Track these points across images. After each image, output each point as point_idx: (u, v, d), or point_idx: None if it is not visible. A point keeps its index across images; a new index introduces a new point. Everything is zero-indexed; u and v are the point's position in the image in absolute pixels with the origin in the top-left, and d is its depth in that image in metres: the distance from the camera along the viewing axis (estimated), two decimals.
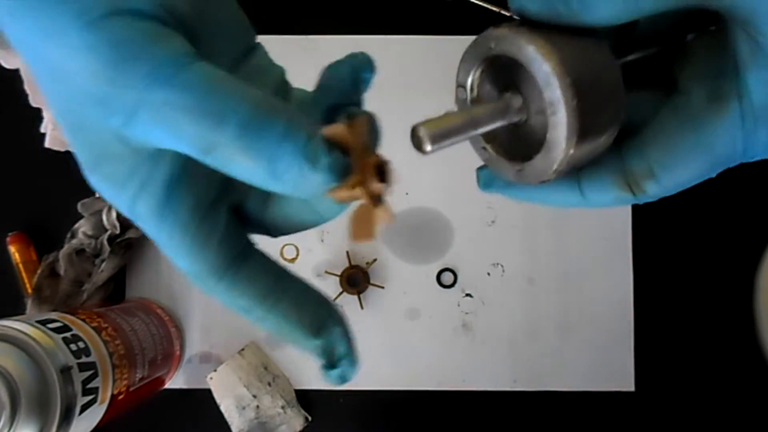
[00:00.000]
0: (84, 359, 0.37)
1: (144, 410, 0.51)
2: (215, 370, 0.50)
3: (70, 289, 0.50)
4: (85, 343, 0.38)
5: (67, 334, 0.37)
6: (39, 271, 0.49)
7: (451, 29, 0.53)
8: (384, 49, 0.53)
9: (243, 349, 0.51)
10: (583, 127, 0.22)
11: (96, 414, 0.38)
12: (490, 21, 0.53)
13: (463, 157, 0.56)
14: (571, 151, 0.22)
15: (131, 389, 0.42)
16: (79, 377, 0.35)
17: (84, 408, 0.36)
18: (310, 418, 0.51)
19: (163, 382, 0.49)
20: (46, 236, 0.52)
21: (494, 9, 0.53)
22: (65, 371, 0.35)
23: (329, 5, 0.54)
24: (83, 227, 0.50)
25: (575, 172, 0.25)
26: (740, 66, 0.22)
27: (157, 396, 0.50)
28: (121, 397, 0.40)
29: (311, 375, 0.51)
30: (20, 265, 0.51)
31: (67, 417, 0.34)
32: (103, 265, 0.50)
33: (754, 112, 0.22)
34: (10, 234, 0.51)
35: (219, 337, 0.52)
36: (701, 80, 0.23)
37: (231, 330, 0.52)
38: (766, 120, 0.22)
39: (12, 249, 0.51)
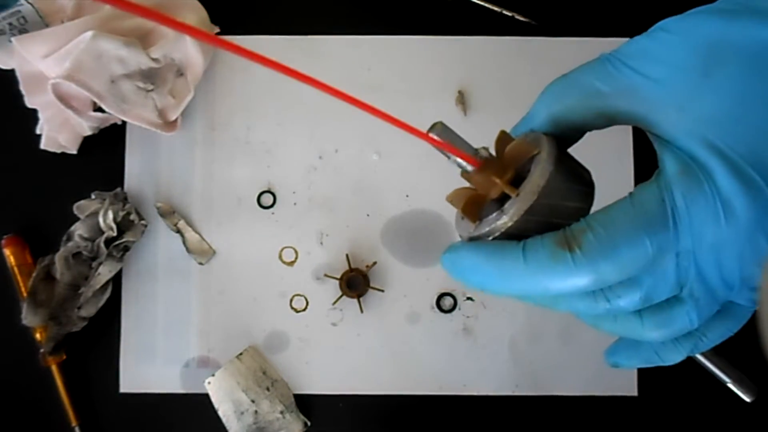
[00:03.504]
0: None
1: (142, 414, 0.51)
2: (213, 375, 0.50)
3: (66, 292, 0.49)
4: None
5: None
6: (34, 275, 0.49)
7: (451, 29, 0.53)
8: (384, 49, 0.53)
9: (241, 354, 0.50)
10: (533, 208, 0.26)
11: None
12: (491, 21, 0.53)
13: None
14: (541, 187, 0.26)
15: None
16: None
17: None
18: (309, 423, 0.50)
19: None
20: (41, 239, 0.51)
21: (495, 9, 0.52)
22: None
23: (329, 5, 0.53)
24: (79, 230, 0.49)
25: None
26: (656, 147, 0.27)
27: (154, 400, 0.49)
28: None
29: (310, 379, 0.51)
30: (15, 269, 0.50)
31: None
32: (100, 268, 0.49)
33: (668, 181, 0.26)
34: (5, 237, 0.51)
35: (217, 341, 0.51)
36: None
37: (229, 334, 0.51)
38: (679, 185, 0.26)
39: (7, 252, 0.51)
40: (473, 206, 0.29)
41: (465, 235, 0.29)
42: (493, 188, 0.28)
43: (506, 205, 0.27)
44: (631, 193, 0.27)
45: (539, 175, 0.26)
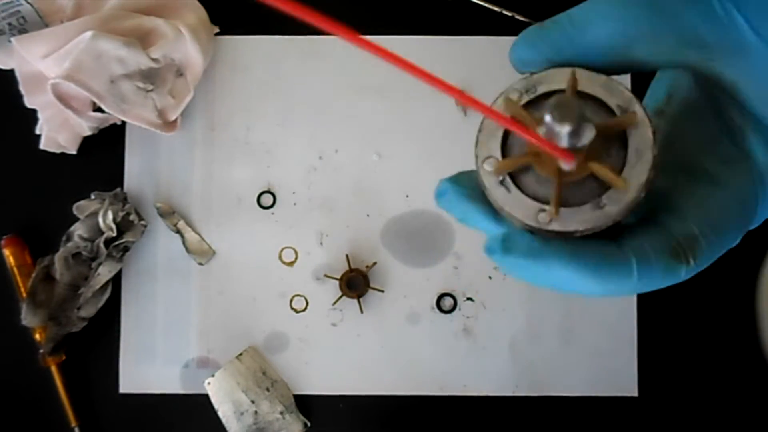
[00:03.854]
0: None
1: (142, 415, 0.51)
2: (213, 375, 0.50)
3: (66, 293, 0.49)
4: None
5: None
6: (34, 275, 0.49)
7: (451, 29, 0.53)
8: (386, 48, 0.53)
9: (241, 354, 0.50)
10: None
11: None
12: (490, 21, 0.53)
13: (463, 159, 0.55)
14: (651, 175, 0.21)
15: None
16: None
17: None
18: (309, 424, 0.50)
19: None
20: (41, 239, 0.51)
21: (495, 9, 0.52)
22: None
23: (329, 5, 0.53)
24: (79, 230, 0.49)
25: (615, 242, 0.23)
26: (738, 131, 0.23)
27: (154, 401, 0.49)
28: None
29: (310, 380, 0.51)
30: (14, 269, 0.50)
31: None
32: (100, 268, 0.49)
33: (761, 172, 0.22)
34: (4, 237, 0.51)
35: (217, 341, 0.51)
36: (708, 145, 0.24)
37: (229, 335, 0.51)
38: None
39: (6, 252, 0.50)
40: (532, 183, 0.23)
41: (530, 222, 0.22)
42: (579, 170, 0.22)
43: (606, 198, 0.22)
44: (717, 179, 0.23)
45: (648, 165, 0.21)
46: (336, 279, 0.51)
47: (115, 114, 0.48)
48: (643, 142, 0.22)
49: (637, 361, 0.50)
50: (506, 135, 0.23)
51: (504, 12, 0.52)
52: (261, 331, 0.51)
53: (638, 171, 0.22)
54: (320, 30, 0.18)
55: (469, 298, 0.51)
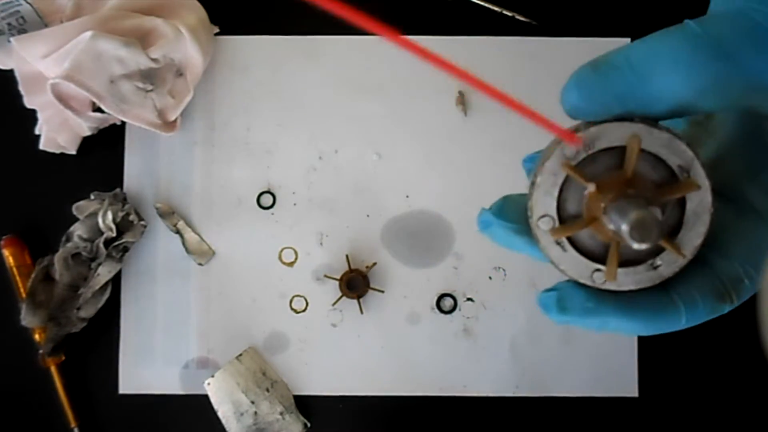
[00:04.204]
0: None
1: (141, 415, 0.51)
2: (213, 376, 0.49)
3: (65, 293, 0.49)
4: None
5: None
6: (33, 275, 0.49)
7: (451, 29, 0.53)
8: (384, 49, 0.53)
9: (241, 355, 0.50)
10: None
11: None
12: (490, 21, 0.53)
13: (464, 159, 0.55)
14: (706, 230, 0.23)
15: None
16: None
17: None
18: (309, 425, 0.50)
19: None
20: (40, 240, 0.51)
21: (495, 9, 0.52)
22: None
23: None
24: (78, 230, 0.49)
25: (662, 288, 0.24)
26: None
27: (154, 401, 0.49)
28: None
29: (310, 380, 0.51)
30: (14, 269, 0.50)
31: None
32: (100, 269, 0.49)
33: None
34: (3, 237, 0.51)
35: (217, 342, 0.51)
36: (752, 174, 0.24)
37: (229, 335, 0.51)
38: None
39: (6, 253, 0.50)
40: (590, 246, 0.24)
41: (586, 282, 0.24)
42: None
43: (661, 259, 0.23)
44: (760, 212, 0.23)
45: (704, 229, 0.23)
46: (336, 279, 0.51)
47: (114, 114, 0.48)
48: (701, 206, 0.22)
49: (637, 361, 0.50)
50: (561, 192, 0.23)
51: (504, 12, 0.52)
52: (261, 332, 0.51)
53: (694, 234, 0.23)
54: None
55: (469, 299, 0.51)
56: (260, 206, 0.52)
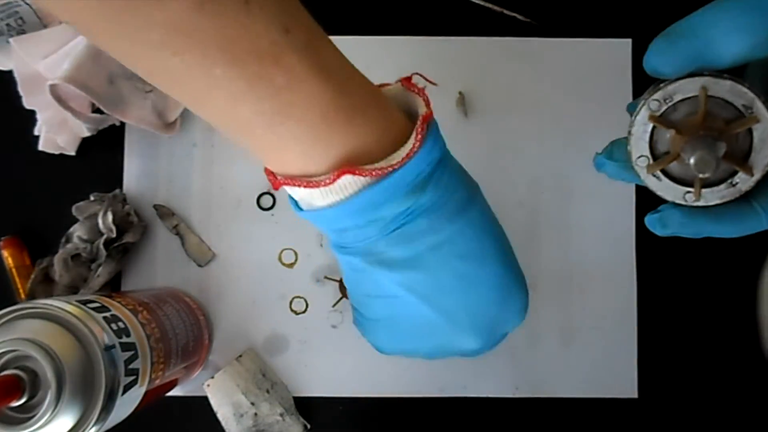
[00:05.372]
0: (125, 339, 0.36)
1: (140, 417, 0.51)
2: (212, 377, 0.49)
3: (65, 294, 0.49)
4: (124, 323, 0.37)
5: (107, 314, 0.36)
6: (32, 277, 0.49)
7: (451, 29, 0.53)
8: (384, 49, 0.52)
9: (241, 356, 0.50)
10: None
11: (136, 396, 0.37)
12: (490, 21, 0.53)
13: (464, 160, 0.55)
14: None
15: (166, 374, 0.41)
16: (121, 357, 0.35)
17: (126, 389, 0.35)
18: (309, 426, 0.50)
19: (192, 372, 0.48)
20: (40, 240, 0.51)
21: (495, 8, 0.52)
22: (109, 350, 0.34)
23: (329, 5, 0.53)
24: (78, 231, 0.49)
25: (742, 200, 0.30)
26: None
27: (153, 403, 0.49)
28: (157, 381, 0.40)
29: (310, 382, 0.51)
30: (13, 271, 0.50)
31: (110, 397, 0.34)
32: (100, 270, 0.49)
33: None
34: (3, 238, 0.51)
35: (216, 343, 0.51)
36: None
37: (228, 336, 0.51)
38: None
39: (5, 254, 0.50)
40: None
41: (680, 202, 0.31)
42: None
43: (738, 177, 0.29)
44: None
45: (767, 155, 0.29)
46: (336, 281, 0.51)
47: (114, 115, 0.48)
48: (765, 134, 0.28)
49: (636, 362, 0.50)
50: (651, 136, 0.30)
51: (505, 12, 0.52)
52: (261, 333, 0.51)
53: (762, 156, 0.29)
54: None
55: None
56: (260, 207, 0.52)
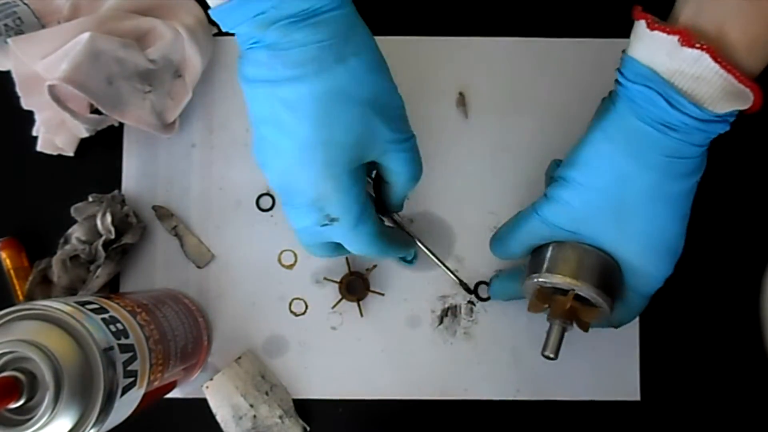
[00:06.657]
0: (123, 341, 0.36)
1: (139, 419, 0.50)
2: (211, 379, 0.49)
3: (64, 296, 0.49)
4: (123, 325, 0.37)
5: (105, 316, 0.36)
6: (31, 278, 0.48)
7: (451, 29, 0.52)
8: (384, 49, 0.52)
9: (240, 358, 0.50)
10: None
11: (134, 398, 0.37)
12: (491, 21, 0.53)
13: (464, 161, 0.55)
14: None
15: (165, 376, 0.41)
16: (120, 358, 0.35)
17: (125, 391, 0.35)
18: (308, 428, 0.50)
19: (191, 373, 0.48)
20: (38, 242, 0.51)
21: (448, 271, 0.51)
22: (107, 352, 0.34)
23: None
24: (77, 232, 0.49)
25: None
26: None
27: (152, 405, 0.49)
28: (156, 383, 0.40)
29: (309, 384, 0.50)
30: (11, 272, 0.50)
31: (109, 399, 0.34)
32: (98, 271, 0.49)
33: None
34: (1, 240, 0.50)
35: (215, 345, 0.51)
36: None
37: (227, 338, 0.51)
38: None
39: (3, 255, 0.50)
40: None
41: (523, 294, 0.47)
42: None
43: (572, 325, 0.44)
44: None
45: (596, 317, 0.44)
46: (336, 282, 0.50)
47: (112, 116, 0.48)
48: (602, 313, 0.43)
49: (639, 365, 0.50)
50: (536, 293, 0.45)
51: (453, 275, 0.51)
52: (260, 335, 0.51)
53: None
54: None
55: (470, 302, 0.51)
56: (259, 208, 0.52)
